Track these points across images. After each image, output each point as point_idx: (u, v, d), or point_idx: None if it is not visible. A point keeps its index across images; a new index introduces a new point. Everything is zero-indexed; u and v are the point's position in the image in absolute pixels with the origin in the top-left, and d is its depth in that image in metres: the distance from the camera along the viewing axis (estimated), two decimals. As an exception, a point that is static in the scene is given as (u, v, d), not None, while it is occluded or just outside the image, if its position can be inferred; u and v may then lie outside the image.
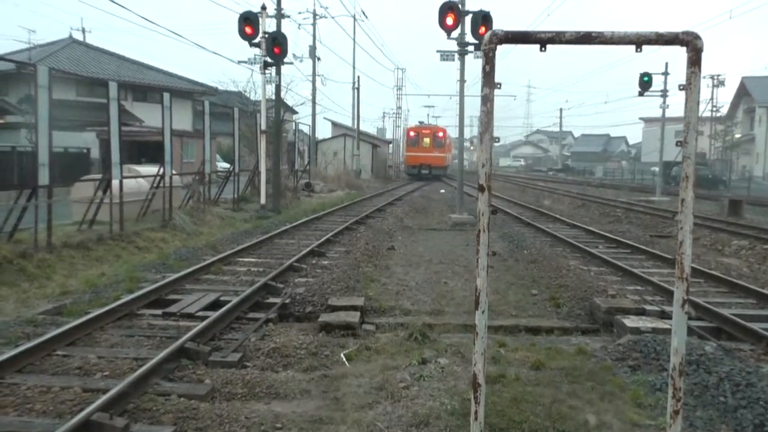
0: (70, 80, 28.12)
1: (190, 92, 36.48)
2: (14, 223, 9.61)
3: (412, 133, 48.24)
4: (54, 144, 9.93)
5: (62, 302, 7.33)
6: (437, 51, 17.47)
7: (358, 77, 45.28)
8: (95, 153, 24.40)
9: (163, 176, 13.92)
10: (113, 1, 14.51)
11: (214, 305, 7.14)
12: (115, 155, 11.76)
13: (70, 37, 36.23)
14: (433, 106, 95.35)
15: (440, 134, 47.14)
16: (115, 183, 11.97)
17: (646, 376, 5.24)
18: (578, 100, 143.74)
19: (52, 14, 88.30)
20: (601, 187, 39.53)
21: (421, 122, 56.57)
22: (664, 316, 6.92)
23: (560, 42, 2.70)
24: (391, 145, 64.48)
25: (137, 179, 14.29)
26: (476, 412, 2.85)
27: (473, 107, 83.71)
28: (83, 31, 43.71)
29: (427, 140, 45.99)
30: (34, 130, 10.36)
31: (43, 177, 9.61)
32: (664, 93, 29.88)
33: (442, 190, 33.88)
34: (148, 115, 28.31)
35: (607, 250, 12.25)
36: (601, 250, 11.95)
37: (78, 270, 9.35)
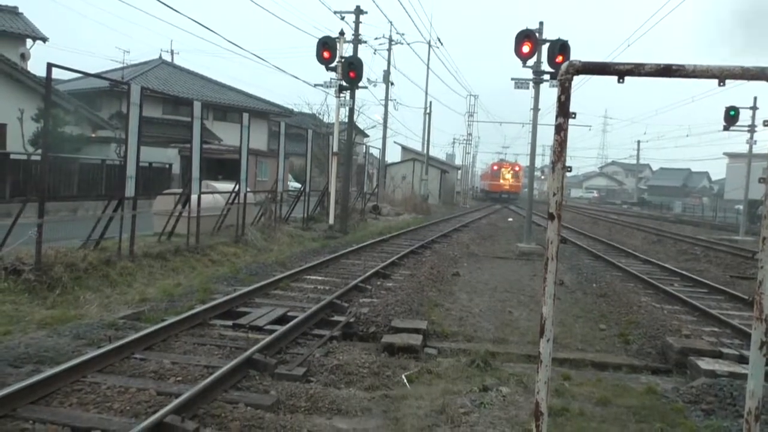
0: (157, 98, 29.77)
1: (266, 113, 37.71)
2: (101, 231, 10.21)
3: (495, 167, 63.14)
4: (140, 158, 10.54)
5: (141, 309, 7.74)
6: (511, 79, 17.28)
7: (430, 103, 45.75)
8: (176, 168, 25.63)
9: (238, 193, 14.45)
10: (203, 25, 15.32)
11: (282, 320, 7.36)
12: (196, 171, 12.31)
13: (160, 58, 38.34)
14: (507, 146, 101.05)
15: (516, 168, 61.51)
16: (193, 198, 12.49)
17: (721, 421, 5.00)
18: (657, 132, 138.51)
19: (146, 37, 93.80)
20: (678, 223, 37.93)
21: (502, 159, 71.02)
22: (743, 360, 6.58)
23: (639, 74, 2.70)
24: (459, 171, 64.31)
25: (214, 195, 14.91)
26: (538, 442, 2.83)
27: (544, 136, 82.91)
28: (172, 52, 46.11)
29: (506, 172, 60.65)
30: (123, 144, 11.01)
31: (130, 189, 10.20)
32: (751, 128, 28.43)
33: (510, 219, 33.45)
34: (226, 134, 29.56)
35: (682, 288, 11.74)
36: (676, 288, 11.46)
37: (156, 279, 9.84)
